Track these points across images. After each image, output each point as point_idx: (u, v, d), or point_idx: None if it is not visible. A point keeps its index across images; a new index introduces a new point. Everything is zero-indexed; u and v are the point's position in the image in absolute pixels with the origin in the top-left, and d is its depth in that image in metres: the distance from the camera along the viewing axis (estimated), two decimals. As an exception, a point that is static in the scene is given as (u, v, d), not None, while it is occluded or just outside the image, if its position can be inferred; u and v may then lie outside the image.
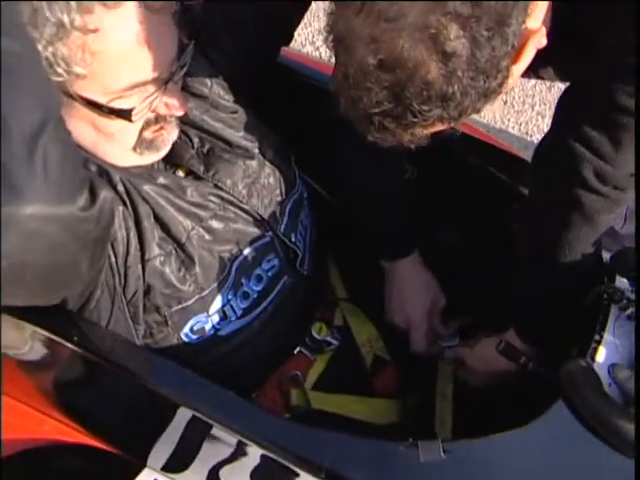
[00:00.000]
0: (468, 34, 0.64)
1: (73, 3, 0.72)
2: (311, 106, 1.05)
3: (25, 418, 0.98)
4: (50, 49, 0.75)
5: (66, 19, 0.73)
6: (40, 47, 0.74)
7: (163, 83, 0.84)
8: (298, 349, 1.05)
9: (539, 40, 0.74)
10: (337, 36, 0.70)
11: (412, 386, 1.10)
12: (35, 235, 0.66)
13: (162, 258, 0.89)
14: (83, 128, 0.85)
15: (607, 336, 0.85)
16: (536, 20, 0.73)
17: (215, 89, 1.00)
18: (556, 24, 0.78)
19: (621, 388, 0.79)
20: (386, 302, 1.16)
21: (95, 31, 0.75)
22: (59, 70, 0.77)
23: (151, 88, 0.83)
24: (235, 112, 1.02)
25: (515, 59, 0.71)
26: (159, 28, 0.81)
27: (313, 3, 1.07)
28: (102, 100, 0.81)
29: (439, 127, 0.73)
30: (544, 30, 0.74)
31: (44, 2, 0.72)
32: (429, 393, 1.08)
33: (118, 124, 0.84)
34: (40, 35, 0.74)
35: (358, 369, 1.09)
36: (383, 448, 0.81)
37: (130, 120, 0.82)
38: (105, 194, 0.75)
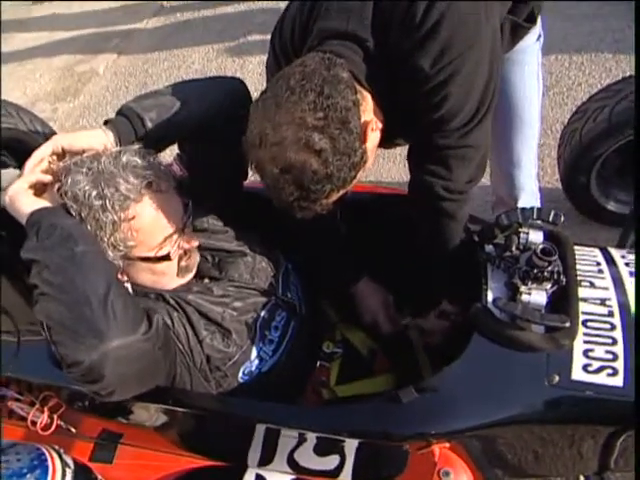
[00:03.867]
0: (326, 135, 0.75)
1: (117, 206, 0.85)
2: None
3: (168, 461, 1.05)
4: (112, 238, 0.87)
5: (116, 218, 0.86)
6: (105, 239, 0.86)
7: (181, 230, 0.94)
8: (318, 363, 1.12)
9: (375, 125, 0.84)
10: (253, 164, 0.80)
11: (397, 358, 1.15)
12: (122, 356, 0.76)
13: (210, 336, 0.95)
14: (145, 274, 0.95)
15: (489, 283, 0.93)
16: (368, 114, 0.84)
17: (211, 222, 1.10)
18: (385, 113, 0.89)
19: (505, 311, 0.86)
20: (357, 310, 1.21)
21: (133, 218, 0.87)
22: (120, 247, 0.88)
23: (175, 236, 0.93)
24: (227, 231, 1.10)
25: (364, 140, 0.80)
26: (168, 200, 0.92)
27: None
28: (150, 254, 0.91)
29: (336, 195, 0.81)
30: (375, 119, 0.85)
31: (101, 213, 0.85)
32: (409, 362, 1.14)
33: (165, 264, 0.93)
34: (104, 232, 0.86)
35: (360, 361, 1.16)
36: (380, 405, 0.89)
37: (170, 259, 0.93)
38: (157, 317, 0.84)
